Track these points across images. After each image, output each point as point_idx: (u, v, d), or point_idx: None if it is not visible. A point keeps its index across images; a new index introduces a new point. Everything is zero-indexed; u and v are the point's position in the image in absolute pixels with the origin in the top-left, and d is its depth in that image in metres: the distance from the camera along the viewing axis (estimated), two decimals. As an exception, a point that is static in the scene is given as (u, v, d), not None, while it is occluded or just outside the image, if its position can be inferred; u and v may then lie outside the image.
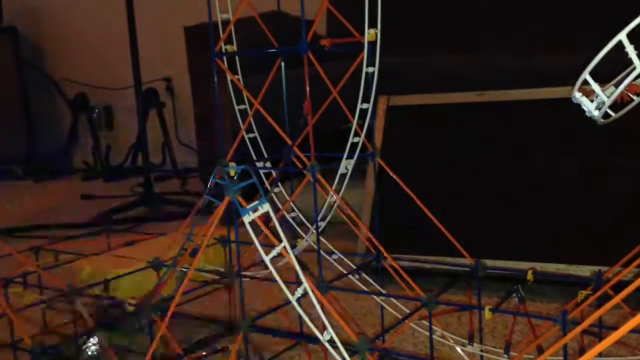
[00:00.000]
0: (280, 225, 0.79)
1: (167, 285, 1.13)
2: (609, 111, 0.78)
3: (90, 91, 4.52)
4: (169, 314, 0.80)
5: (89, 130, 4.52)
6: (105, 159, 4.45)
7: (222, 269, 1.27)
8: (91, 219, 2.70)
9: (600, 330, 0.94)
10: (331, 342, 0.69)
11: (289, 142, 1.16)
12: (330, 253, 1.25)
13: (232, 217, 0.92)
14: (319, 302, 0.70)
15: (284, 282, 0.75)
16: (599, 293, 0.91)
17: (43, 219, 2.83)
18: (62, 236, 1.94)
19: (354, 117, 1.12)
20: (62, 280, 1.13)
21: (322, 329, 0.73)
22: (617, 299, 0.70)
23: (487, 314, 0.92)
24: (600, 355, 1.00)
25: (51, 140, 4.68)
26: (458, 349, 1.13)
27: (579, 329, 0.73)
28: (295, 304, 0.70)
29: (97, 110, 4.55)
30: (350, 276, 1.19)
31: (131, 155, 4.21)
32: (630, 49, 0.58)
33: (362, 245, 1.67)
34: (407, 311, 1.20)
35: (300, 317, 1.25)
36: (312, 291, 0.71)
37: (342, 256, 1.22)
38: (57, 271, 1.26)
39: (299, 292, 0.71)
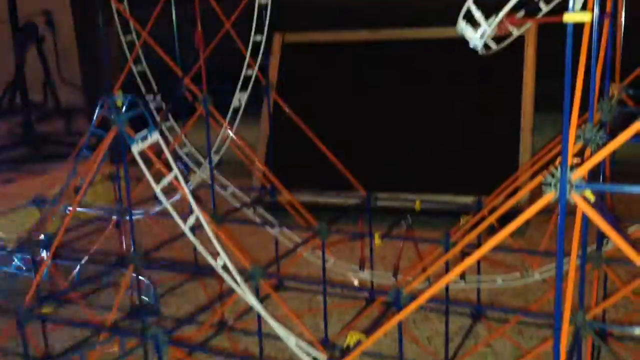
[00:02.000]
0: (171, 155, 0.78)
1: (52, 223, 1.08)
2: (491, 43, 0.81)
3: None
4: (53, 248, 0.77)
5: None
6: (-21, 97, 4.11)
7: (111, 206, 1.23)
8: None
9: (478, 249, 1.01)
10: (224, 268, 0.70)
11: (180, 74, 1.12)
12: (225, 188, 1.24)
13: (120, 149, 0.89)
14: (211, 230, 0.70)
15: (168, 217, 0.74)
16: (477, 217, 0.98)
17: None
18: None
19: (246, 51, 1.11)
20: None
21: (216, 257, 0.73)
22: (491, 219, 0.75)
23: (377, 240, 0.96)
24: (480, 274, 1.08)
25: None
26: (349, 274, 1.17)
27: (458, 247, 0.78)
28: (187, 231, 0.69)
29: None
30: (244, 210, 1.20)
31: (8, 94, 3.92)
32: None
33: (257, 182, 1.67)
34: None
35: (194, 251, 1.25)
36: (204, 219, 0.70)
37: (236, 190, 1.21)
38: None
39: (191, 220, 0.70)
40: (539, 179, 0.66)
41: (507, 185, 1.11)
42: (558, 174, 0.51)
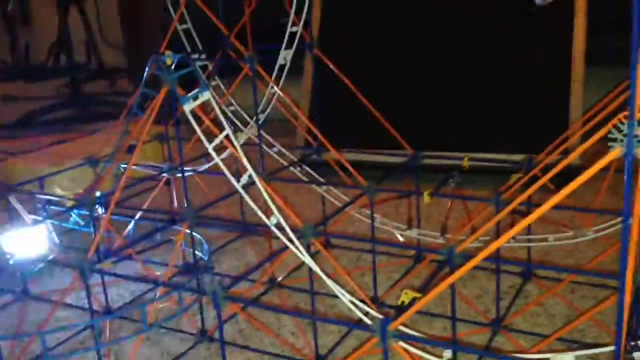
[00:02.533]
0: (222, 114, 0.78)
1: (105, 182, 1.11)
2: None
3: (3, -16, 4.18)
4: (112, 207, 0.78)
5: (5, 27, 4.22)
6: (25, 58, 4.19)
7: (159, 165, 1.25)
8: (17, 120, 2.57)
9: (528, 209, 1.00)
10: (278, 226, 0.70)
11: (226, 32, 1.12)
12: (271, 147, 1.25)
13: (170, 109, 0.90)
14: (265, 188, 0.71)
15: (221, 174, 0.74)
16: (529, 175, 0.96)
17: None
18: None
19: (291, 8, 1.09)
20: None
21: (268, 215, 0.74)
22: (545, 179, 0.74)
23: (426, 197, 0.96)
24: (530, 233, 1.07)
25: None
26: (396, 233, 1.17)
27: (510, 207, 0.77)
28: (240, 190, 0.70)
29: (10, 4, 4.23)
30: (291, 168, 1.20)
31: (53, 55, 3.98)
32: None
33: (301, 139, 1.67)
34: (348, 201, 1.23)
35: (241, 210, 1.26)
36: (257, 178, 0.71)
37: (282, 149, 1.22)
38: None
39: (245, 178, 0.70)
40: (599, 134, 0.65)
41: (558, 142, 1.09)
42: (624, 128, 0.50)
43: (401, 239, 1.18)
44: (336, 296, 1.05)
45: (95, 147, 1.18)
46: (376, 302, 1.01)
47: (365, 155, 1.35)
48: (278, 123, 1.38)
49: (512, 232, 0.54)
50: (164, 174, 1.09)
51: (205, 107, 0.79)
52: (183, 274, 1.00)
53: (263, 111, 1.14)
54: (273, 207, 0.70)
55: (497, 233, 0.89)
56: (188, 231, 0.88)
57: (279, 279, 1.11)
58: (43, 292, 1.10)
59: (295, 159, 1.23)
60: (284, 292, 1.09)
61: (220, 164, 0.69)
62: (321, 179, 1.21)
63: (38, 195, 1.03)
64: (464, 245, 0.73)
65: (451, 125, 1.59)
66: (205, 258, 0.99)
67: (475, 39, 1.66)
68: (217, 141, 0.71)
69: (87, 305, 1.04)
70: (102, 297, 1.00)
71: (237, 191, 1.10)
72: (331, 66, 1.13)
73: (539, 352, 0.85)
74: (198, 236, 0.95)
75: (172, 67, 0.83)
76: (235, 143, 0.70)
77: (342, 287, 0.77)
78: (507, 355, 0.60)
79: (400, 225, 1.19)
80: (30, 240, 0.97)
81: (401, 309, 0.63)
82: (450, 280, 0.57)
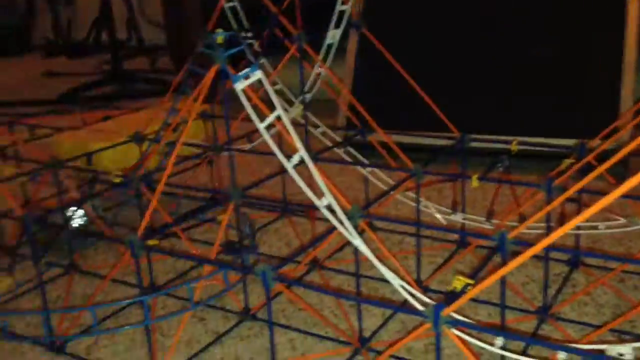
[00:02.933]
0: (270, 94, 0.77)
1: (150, 159, 1.12)
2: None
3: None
4: (161, 185, 0.79)
5: (48, 4, 4.27)
6: (67, 35, 4.25)
7: (204, 143, 1.25)
8: (60, 96, 2.61)
9: (580, 196, 0.97)
10: (328, 208, 0.70)
11: (274, 9, 1.11)
12: (314, 127, 1.24)
13: (216, 87, 0.90)
14: (316, 169, 0.70)
15: (268, 154, 0.73)
16: (583, 161, 0.93)
17: (7, 95, 2.73)
18: (31, 112, 1.88)
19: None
20: (41, 154, 1.10)
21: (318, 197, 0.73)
22: (603, 167, 0.72)
23: (474, 182, 0.94)
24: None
25: (8, 15, 4.42)
26: (439, 216, 1.16)
27: (565, 195, 0.75)
28: (292, 171, 0.69)
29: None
30: (335, 149, 1.19)
31: (94, 31, 4.03)
32: None
33: (342, 120, 1.66)
34: (391, 183, 1.22)
35: (283, 191, 1.26)
36: (308, 159, 0.70)
37: (327, 129, 1.21)
38: (33, 146, 1.23)
39: (295, 159, 0.70)
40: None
41: (611, 127, 1.05)
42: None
43: (444, 222, 1.17)
44: (379, 279, 1.05)
45: (140, 124, 1.19)
46: (419, 286, 1.00)
47: (409, 137, 1.33)
48: (318, 103, 1.36)
49: (576, 220, 0.52)
50: (209, 153, 1.09)
51: (251, 86, 0.78)
52: (226, 253, 1.01)
53: (308, 91, 1.13)
54: (324, 188, 0.69)
55: (548, 220, 0.87)
56: (230, 210, 0.88)
57: (321, 260, 1.10)
58: (88, 267, 1.12)
59: (339, 140, 1.22)
60: (325, 273, 1.09)
61: (272, 144, 0.69)
62: (365, 161, 1.20)
63: (85, 171, 1.04)
64: (516, 232, 0.72)
65: (499, 108, 1.56)
66: (250, 238, 0.99)
67: (526, 21, 1.61)
68: (268, 121, 0.70)
69: (131, 281, 1.06)
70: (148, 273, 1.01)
71: (281, 172, 1.10)
72: (379, 46, 1.11)
73: (589, 342, 0.83)
74: (244, 216, 0.95)
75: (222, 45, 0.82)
76: (288, 124, 0.69)
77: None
78: (561, 345, 0.59)
79: (444, 209, 1.18)
80: (78, 215, 0.99)
81: (453, 295, 0.62)
82: (507, 268, 0.56)
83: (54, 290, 1.06)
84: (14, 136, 1.21)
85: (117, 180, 0.93)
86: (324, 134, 1.25)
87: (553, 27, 1.59)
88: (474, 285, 0.62)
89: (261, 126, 0.71)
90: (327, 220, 0.70)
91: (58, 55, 4.04)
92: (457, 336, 0.60)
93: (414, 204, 1.23)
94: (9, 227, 1.14)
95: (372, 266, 1.07)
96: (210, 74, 0.81)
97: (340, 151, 1.17)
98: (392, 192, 0.97)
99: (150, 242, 0.80)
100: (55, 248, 1.05)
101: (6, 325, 0.85)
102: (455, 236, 1.16)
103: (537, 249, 0.55)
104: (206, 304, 0.95)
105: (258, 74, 0.74)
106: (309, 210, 1.13)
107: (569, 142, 1.06)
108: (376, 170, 1.21)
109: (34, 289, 1.04)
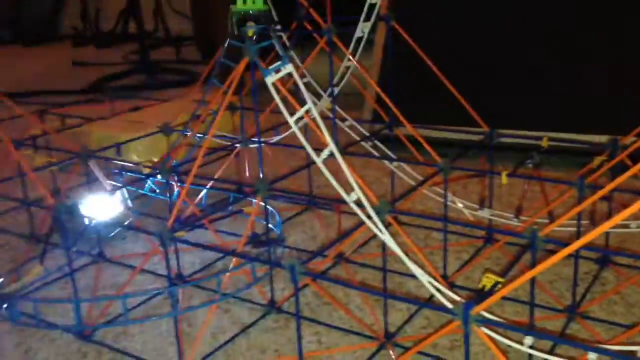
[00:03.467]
0: (300, 88, 0.77)
1: (180, 150, 1.12)
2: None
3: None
4: (191, 176, 0.79)
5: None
6: (95, 24, 4.29)
7: (231, 135, 1.26)
8: (89, 86, 2.64)
9: (611, 195, 0.96)
10: (357, 202, 0.69)
11: (303, 2, 1.10)
12: (341, 120, 1.23)
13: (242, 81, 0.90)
14: (345, 164, 0.70)
15: (296, 147, 0.73)
16: (616, 159, 0.92)
17: (38, 84, 2.77)
18: (61, 102, 1.90)
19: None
20: (71, 144, 1.12)
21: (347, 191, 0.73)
22: (637, 167, 0.70)
23: (504, 178, 0.93)
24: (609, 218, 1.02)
25: (38, 4, 4.48)
26: (466, 212, 1.15)
27: (599, 194, 0.74)
28: (321, 165, 0.69)
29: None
30: (362, 143, 1.19)
31: (122, 21, 4.06)
32: None
33: (368, 113, 1.65)
34: (419, 178, 1.21)
35: (310, 184, 1.26)
36: (338, 153, 0.70)
37: (354, 123, 1.20)
38: (63, 135, 1.25)
39: (325, 153, 0.70)
40: None
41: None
42: None
43: (471, 218, 1.16)
44: (404, 273, 1.05)
45: (168, 115, 1.19)
46: (445, 282, 0.99)
47: (436, 131, 1.32)
48: (344, 96, 1.36)
49: (616, 219, 0.51)
50: (237, 145, 1.10)
51: (279, 78, 0.78)
52: (253, 245, 1.01)
53: (337, 84, 1.13)
54: (353, 183, 0.69)
55: (579, 218, 0.86)
56: (257, 203, 0.88)
57: (346, 254, 1.10)
58: (116, 256, 1.14)
59: (366, 133, 1.22)
60: (350, 267, 1.09)
61: (301, 138, 0.69)
62: (392, 155, 1.20)
63: (115, 162, 1.05)
64: (548, 230, 0.71)
65: (529, 103, 1.54)
66: (277, 230, 0.99)
67: (558, 15, 1.59)
68: (299, 114, 0.70)
69: (158, 271, 1.07)
70: (175, 264, 1.02)
71: (308, 165, 1.10)
72: (408, 39, 1.10)
73: (619, 343, 0.82)
74: (270, 208, 0.96)
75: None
76: (318, 118, 0.69)
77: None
78: (591, 346, 0.58)
79: (471, 205, 1.17)
80: (107, 205, 1.00)
81: (482, 293, 0.62)
82: (540, 268, 0.55)
83: (82, 279, 1.08)
84: (45, 125, 1.22)
85: (146, 171, 0.94)
86: (350, 127, 1.25)
87: (586, 21, 1.56)
88: (503, 284, 0.61)
89: (291, 120, 0.71)
90: (352, 213, 0.70)
91: (86, 45, 4.08)
92: (486, 334, 0.59)
93: (440, 199, 1.23)
94: (40, 216, 1.16)
95: (396, 261, 1.07)
96: (241, 66, 0.82)
97: (367, 145, 1.17)
98: (419, 187, 0.96)
99: (179, 234, 0.81)
100: (84, 238, 1.06)
101: (37, 312, 0.87)
102: (482, 232, 1.15)
103: (572, 248, 0.54)
104: (234, 295, 0.96)
105: (289, 68, 0.74)
106: (335, 204, 1.13)
107: (601, 138, 1.04)
108: (404, 165, 1.20)
109: (63, 277, 1.05)
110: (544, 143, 1.05)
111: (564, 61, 1.56)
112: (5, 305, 0.94)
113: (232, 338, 0.90)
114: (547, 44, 1.58)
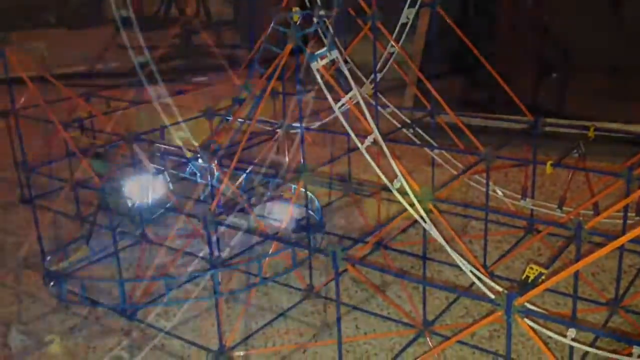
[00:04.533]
0: (343, 74, 0.77)
1: (222, 135, 1.13)
2: None
3: (118, -64, 4.31)
4: (235, 160, 0.80)
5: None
6: (138, 8, 4.33)
7: (271, 120, 1.26)
8: (130, 69, 2.68)
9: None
10: (400, 190, 0.69)
11: (347, -13, 1.10)
12: (382, 107, 1.23)
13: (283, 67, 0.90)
14: (389, 152, 0.70)
15: (339, 133, 0.73)
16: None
17: (85, 66, 2.82)
18: (107, 84, 1.94)
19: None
20: (115, 127, 1.14)
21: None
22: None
23: (549, 168, 0.91)
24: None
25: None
26: (508, 201, 1.13)
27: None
28: (364, 152, 0.69)
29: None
30: (403, 130, 1.18)
31: (164, 5, 4.09)
32: None
33: (409, 100, 1.64)
34: (459, 166, 1.20)
35: (349, 170, 1.26)
36: (382, 141, 0.70)
37: (396, 110, 1.20)
38: (107, 118, 1.27)
39: (369, 140, 0.70)
40: None
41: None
42: None
43: (512, 207, 1.14)
44: (443, 262, 1.04)
45: (211, 99, 1.21)
46: (486, 271, 0.98)
47: (478, 119, 1.31)
48: (384, 82, 1.35)
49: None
50: (279, 130, 1.10)
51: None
52: (293, 230, 1.02)
53: (379, 71, 1.12)
54: (397, 170, 0.69)
55: (626, 211, 0.84)
56: (298, 188, 0.89)
57: (386, 240, 1.10)
58: (157, 237, 1.16)
59: (407, 120, 1.21)
60: (388, 254, 1.09)
61: (346, 125, 0.69)
62: (433, 142, 1.19)
63: (158, 145, 1.07)
64: (594, 222, 0.70)
65: (575, 91, 1.51)
66: (317, 216, 1.00)
67: (603, 9, 1.55)
68: (343, 100, 0.70)
69: (199, 254, 1.09)
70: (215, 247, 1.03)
71: (348, 151, 1.10)
72: (453, 25, 1.09)
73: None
74: (310, 194, 0.96)
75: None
76: (363, 105, 0.69)
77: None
78: (635, 339, 0.57)
79: (512, 194, 1.15)
80: (150, 188, 1.02)
81: (526, 283, 0.61)
82: (586, 260, 0.55)
83: (124, 260, 1.10)
84: (91, 107, 1.24)
85: (189, 154, 0.96)
86: (391, 114, 1.24)
87: (635, 9, 1.51)
88: (547, 275, 0.60)
89: (336, 107, 0.71)
90: (391, 200, 0.70)
91: (130, 27, 4.13)
92: (529, 326, 0.59)
93: (480, 188, 1.21)
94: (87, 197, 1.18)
95: (435, 249, 1.07)
96: (286, 52, 0.82)
97: (409, 132, 1.16)
98: (461, 176, 0.95)
99: (221, 217, 0.82)
100: (128, 219, 1.09)
101: (84, 291, 0.89)
102: (523, 222, 1.14)
103: (619, 242, 0.53)
104: (274, 279, 0.97)
105: (334, 54, 0.74)
106: (376, 190, 1.13)
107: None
108: (445, 153, 1.19)
109: (107, 256, 1.08)
110: (591, 133, 1.03)
111: (610, 48, 1.52)
112: (52, 283, 0.97)
113: (271, 321, 0.91)
114: (593, 30, 1.54)
